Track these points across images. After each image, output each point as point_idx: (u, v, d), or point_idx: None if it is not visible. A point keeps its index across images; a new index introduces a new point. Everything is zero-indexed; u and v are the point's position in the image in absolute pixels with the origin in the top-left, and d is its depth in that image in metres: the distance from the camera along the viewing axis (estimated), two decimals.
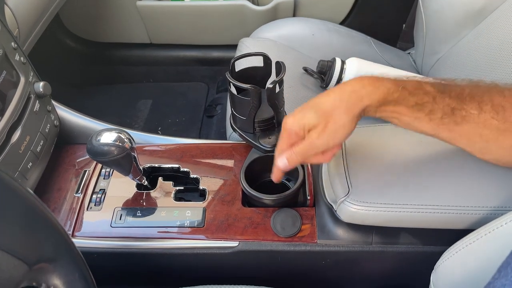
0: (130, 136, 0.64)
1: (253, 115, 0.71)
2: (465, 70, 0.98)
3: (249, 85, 0.66)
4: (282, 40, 1.20)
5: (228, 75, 0.69)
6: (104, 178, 0.74)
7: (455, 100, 0.56)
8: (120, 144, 0.62)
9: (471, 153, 0.59)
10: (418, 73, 1.19)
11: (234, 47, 1.50)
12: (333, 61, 1.04)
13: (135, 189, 0.72)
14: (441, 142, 0.66)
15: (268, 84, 0.66)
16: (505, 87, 0.56)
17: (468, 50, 0.99)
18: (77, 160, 0.79)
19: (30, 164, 0.67)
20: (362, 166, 0.64)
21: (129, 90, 1.58)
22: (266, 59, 0.75)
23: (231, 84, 0.69)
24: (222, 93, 1.51)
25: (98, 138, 0.62)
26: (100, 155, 0.62)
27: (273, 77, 0.73)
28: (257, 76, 0.76)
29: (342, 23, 1.43)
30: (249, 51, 1.19)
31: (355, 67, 1.02)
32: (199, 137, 1.40)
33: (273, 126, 0.74)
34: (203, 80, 1.58)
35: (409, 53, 1.32)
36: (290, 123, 0.56)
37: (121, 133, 0.63)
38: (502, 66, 0.87)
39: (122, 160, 0.63)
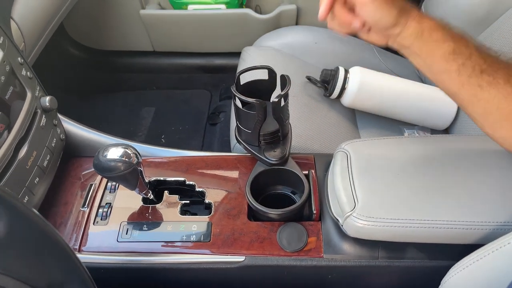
0: (136, 151, 0.64)
1: (259, 128, 0.71)
2: None
3: (254, 99, 0.66)
4: (285, 49, 1.21)
5: (233, 89, 0.69)
6: (110, 192, 0.74)
7: (488, 65, 0.55)
8: (126, 159, 0.62)
9: (482, 128, 0.58)
10: (422, 81, 1.20)
11: (237, 54, 1.50)
12: (336, 70, 1.04)
13: (141, 203, 0.73)
14: (447, 156, 0.67)
15: (273, 98, 0.66)
16: None
17: None
18: (83, 173, 0.79)
19: (37, 179, 0.67)
20: (369, 180, 0.64)
21: (133, 98, 1.58)
22: (271, 72, 0.75)
23: (236, 97, 0.69)
24: (225, 100, 1.51)
25: (105, 154, 0.62)
26: (107, 171, 0.62)
27: (278, 90, 0.73)
28: (262, 88, 0.76)
29: None
30: (252, 60, 1.19)
31: (359, 76, 1.02)
32: (202, 145, 1.40)
33: (278, 139, 0.74)
34: (206, 87, 1.59)
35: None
36: None
37: (127, 148, 0.64)
38: None
39: (129, 175, 0.63)
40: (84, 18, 1.46)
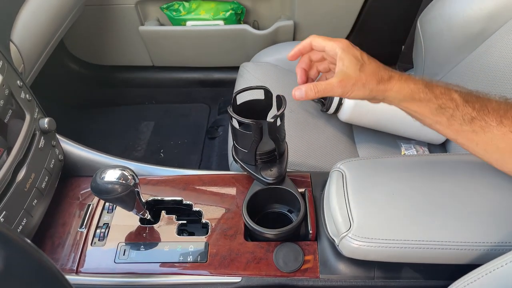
0: (134, 173, 0.65)
1: (255, 148, 0.72)
2: None
3: (250, 120, 0.67)
4: (283, 64, 1.22)
5: (230, 110, 0.70)
6: (108, 212, 0.75)
7: (477, 111, 0.57)
8: (123, 181, 0.63)
9: (489, 163, 0.60)
10: None
11: (235, 69, 1.52)
12: None
13: (138, 223, 0.73)
14: (442, 176, 0.67)
15: (269, 119, 0.67)
16: None
17: (467, 72, 1.00)
18: (81, 193, 0.80)
19: (35, 201, 0.68)
20: (364, 200, 0.65)
21: (132, 112, 1.59)
22: (267, 92, 0.76)
23: (232, 118, 0.70)
24: (224, 114, 1.52)
25: (102, 176, 0.63)
26: (104, 193, 0.63)
27: (274, 109, 0.74)
28: (258, 108, 0.77)
29: None
30: (250, 76, 1.20)
31: None
32: (201, 160, 1.41)
33: (274, 158, 0.75)
34: (204, 101, 1.60)
35: (408, 74, 1.33)
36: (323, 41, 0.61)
37: (124, 170, 0.64)
38: (501, 88, 0.88)
39: (126, 197, 0.64)
40: (83, 33, 1.48)
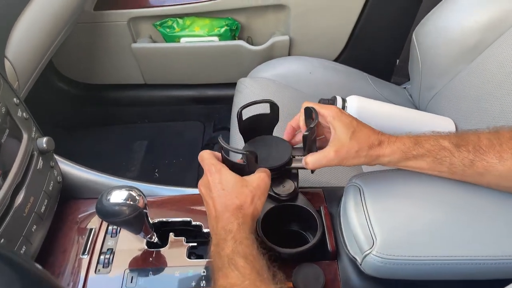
0: (142, 193, 0.61)
1: None
2: (463, 104, 0.98)
3: (244, 150, 0.63)
4: (280, 79, 1.20)
5: (220, 140, 0.64)
6: (111, 236, 0.70)
7: (473, 153, 0.58)
8: (132, 202, 0.59)
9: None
10: (416, 107, 1.20)
11: (230, 85, 1.50)
12: (333, 100, 1.03)
13: (145, 247, 0.69)
14: (467, 185, 0.65)
15: (304, 132, 0.64)
16: None
17: (465, 85, 1.00)
18: (81, 216, 0.75)
19: (35, 227, 0.63)
20: (385, 214, 0.62)
21: (124, 132, 1.55)
22: (273, 106, 0.74)
23: (223, 148, 0.64)
24: (219, 131, 1.49)
25: (108, 197, 0.59)
26: (112, 216, 0.58)
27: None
28: (264, 123, 0.75)
29: (336, 59, 1.44)
30: (249, 92, 1.18)
31: (356, 105, 1.01)
32: (198, 179, 1.36)
33: (285, 173, 0.72)
34: (199, 119, 1.57)
35: (404, 87, 1.32)
36: None
37: (131, 191, 0.60)
38: (500, 100, 0.87)
39: (134, 219, 0.60)
40: (73, 52, 1.43)
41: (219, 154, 0.66)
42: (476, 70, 0.98)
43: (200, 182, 0.63)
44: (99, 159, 1.42)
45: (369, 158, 0.62)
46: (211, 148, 1.45)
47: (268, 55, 1.37)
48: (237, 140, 1.02)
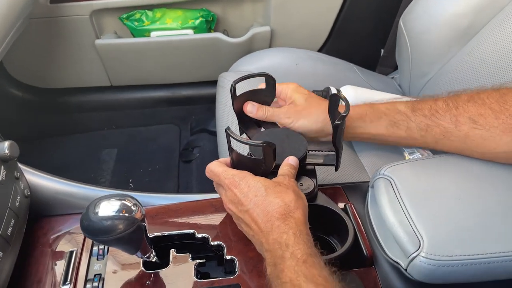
0: (137, 201, 0.49)
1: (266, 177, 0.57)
2: (458, 89, 0.94)
3: (260, 142, 0.52)
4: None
5: (229, 130, 0.54)
6: (98, 259, 0.57)
7: (429, 117, 0.58)
8: (127, 214, 0.47)
9: (483, 155, 0.58)
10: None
11: (207, 83, 1.39)
12: (327, 91, 0.96)
13: (141, 268, 0.56)
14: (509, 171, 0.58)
15: (337, 121, 0.54)
16: (487, 93, 0.57)
17: (459, 69, 0.95)
18: (56, 237, 0.61)
19: (1, 254, 0.49)
20: (427, 209, 0.53)
21: (90, 140, 1.39)
22: (269, 79, 0.65)
23: (230, 139, 0.54)
24: (198, 134, 1.37)
25: (96, 211, 0.46)
26: (103, 233, 0.46)
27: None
28: (259, 99, 0.67)
29: (319, 50, 1.36)
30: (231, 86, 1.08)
31: (353, 95, 0.94)
32: (178, 186, 1.24)
33: (302, 168, 0.62)
34: (173, 121, 1.44)
35: (392, 77, 1.28)
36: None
37: (124, 200, 0.48)
38: (495, 82, 0.83)
39: (131, 235, 0.47)
40: (27, 53, 1.27)
41: (226, 159, 0.56)
42: (470, 53, 0.94)
43: (225, 200, 0.53)
44: (64, 172, 1.25)
45: (323, 123, 0.62)
46: (190, 153, 1.33)
47: (248, 48, 1.27)
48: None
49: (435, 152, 0.99)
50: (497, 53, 0.87)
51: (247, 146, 0.60)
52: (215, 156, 0.99)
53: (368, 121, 0.62)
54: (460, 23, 0.98)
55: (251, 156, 0.58)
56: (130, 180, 1.27)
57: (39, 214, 0.63)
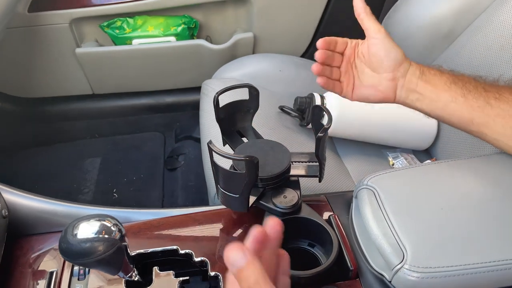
0: (117, 221, 0.48)
1: (249, 192, 0.56)
2: None
3: (243, 156, 0.51)
4: (248, 79, 1.11)
5: (212, 145, 0.53)
6: (79, 279, 0.56)
7: (489, 86, 0.59)
8: (106, 236, 0.46)
9: (504, 142, 0.58)
10: None
11: (190, 90, 1.38)
12: (311, 97, 0.96)
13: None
14: (490, 180, 0.58)
15: (319, 133, 0.54)
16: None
17: None
18: (35, 256, 0.60)
19: None
20: (411, 220, 0.54)
21: (72, 149, 1.37)
22: (252, 90, 0.65)
23: (213, 153, 0.54)
24: (182, 141, 1.36)
25: (75, 233, 0.45)
26: (82, 256, 0.45)
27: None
28: (242, 110, 0.67)
29: (303, 55, 1.36)
30: (215, 93, 1.07)
31: (337, 101, 0.94)
32: (163, 195, 1.23)
33: (284, 181, 0.61)
34: (157, 129, 1.42)
35: None
36: None
37: (104, 220, 0.47)
38: None
39: (112, 257, 0.46)
40: (6, 63, 1.24)
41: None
42: (452, 57, 0.96)
43: None
44: (45, 183, 1.25)
45: (400, 67, 0.61)
46: (175, 160, 1.31)
47: (231, 54, 1.26)
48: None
49: (418, 155, 1.01)
50: (477, 57, 0.89)
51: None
52: (200, 163, 0.98)
53: (432, 74, 0.61)
54: (439, 28, 0.99)
55: (235, 170, 0.58)
56: (114, 190, 1.25)
57: (18, 234, 0.62)
